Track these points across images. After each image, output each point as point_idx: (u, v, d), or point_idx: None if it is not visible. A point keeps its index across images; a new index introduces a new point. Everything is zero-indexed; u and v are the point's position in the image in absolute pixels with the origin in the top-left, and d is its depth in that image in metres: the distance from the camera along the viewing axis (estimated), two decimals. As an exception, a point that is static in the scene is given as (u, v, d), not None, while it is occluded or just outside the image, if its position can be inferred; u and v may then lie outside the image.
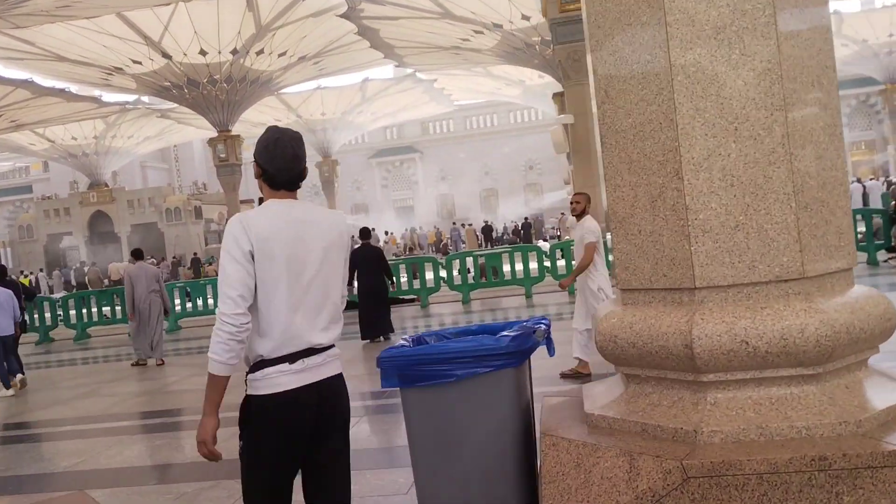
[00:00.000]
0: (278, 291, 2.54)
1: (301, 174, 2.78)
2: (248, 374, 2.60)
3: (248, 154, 36.78)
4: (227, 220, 43.87)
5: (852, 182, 30.66)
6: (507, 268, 13.72)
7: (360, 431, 6.05)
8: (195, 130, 50.74)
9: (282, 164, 2.72)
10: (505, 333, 3.49)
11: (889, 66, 45.52)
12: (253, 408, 2.55)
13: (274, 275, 2.54)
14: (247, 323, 2.48)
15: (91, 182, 51.23)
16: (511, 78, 46.60)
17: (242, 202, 44.82)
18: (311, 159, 58.16)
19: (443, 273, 13.51)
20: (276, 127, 2.87)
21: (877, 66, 45.75)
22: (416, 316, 12.87)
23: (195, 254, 42.03)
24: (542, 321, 3.72)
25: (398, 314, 13.14)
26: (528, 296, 13.61)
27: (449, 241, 37.98)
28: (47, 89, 37.78)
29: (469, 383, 3.26)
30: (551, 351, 3.82)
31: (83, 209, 47.27)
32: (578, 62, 19.19)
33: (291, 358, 2.55)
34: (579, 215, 7.42)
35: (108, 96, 42.75)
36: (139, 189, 52.43)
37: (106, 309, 15.19)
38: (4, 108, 38.28)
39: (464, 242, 36.10)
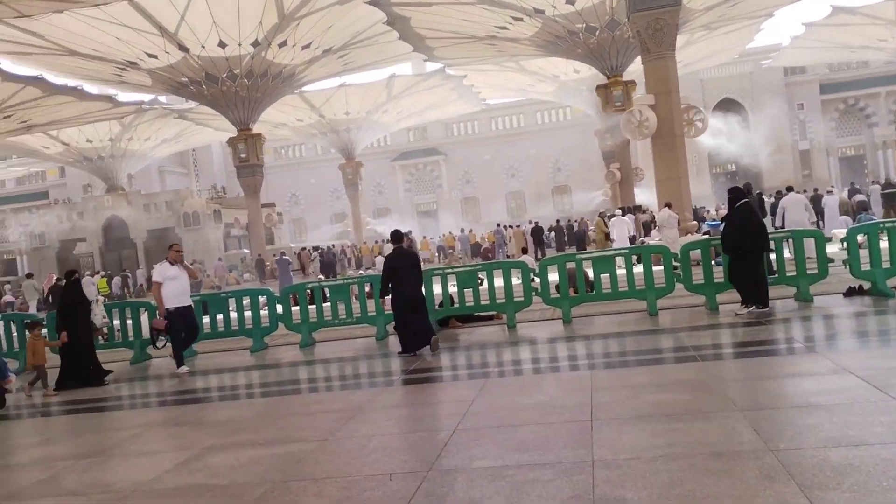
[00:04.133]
0: None
1: None
2: None
3: (269, 157, 34.51)
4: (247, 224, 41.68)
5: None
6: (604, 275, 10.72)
7: None
8: (214, 132, 48.77)
9: None
10: None
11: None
12: None
13: None
14: None
15: (107, 187, 49.28)
16: (545, 73, 44.12)
17: (264, 205, 42.68)
18: (334, 161, 56.74)
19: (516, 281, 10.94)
20: None
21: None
22: (501, 342, 10.12)
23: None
24: None
25: (473, 338, 10.60)
26: (654, 312, 10.18)
27: (488, 245, 35.14)
28: (59, 87, 35.73)
29: None
30: None
31: (97, 214, 45.23)
32: (661, 31, 16.60)
33: None
34: None
35: (124, 95, 40.76)
36: (156, 192, 50.40)
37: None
38: (14, 108, 36.27)
39: (506, 244, 33.30)
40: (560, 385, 6.95)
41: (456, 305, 11.49)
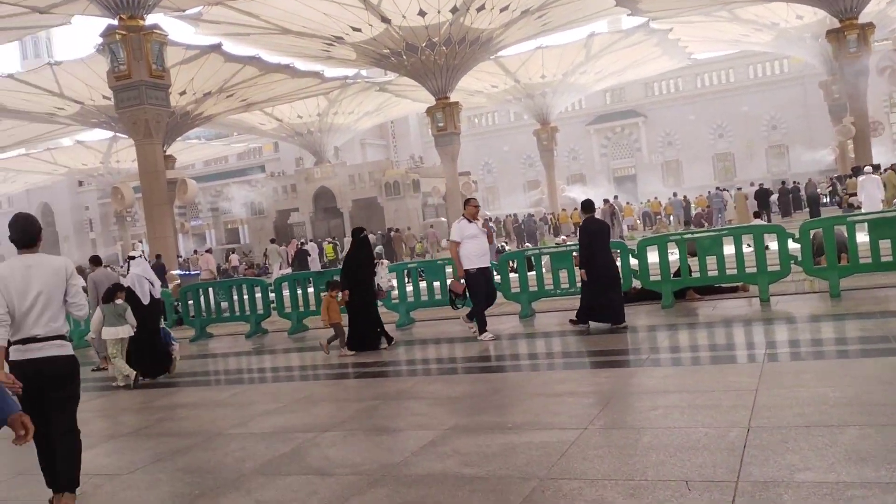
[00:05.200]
0: None
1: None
2: None
3: (462, 126, 33.68)
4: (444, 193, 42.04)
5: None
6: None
7: None
8: (411, 103, 49.78)
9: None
10: None
11: None
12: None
13: None
14: None
15: (316, 160, 52.11)
16: (761, 21, 40.12)
17: (461, 174, 42.87)
18: (527, 127, 55.86)
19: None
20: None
21: None
22: (756, 319, 8.80)
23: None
24: None
25: (717, 312, 9.38)
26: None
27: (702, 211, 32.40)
28: (273, 65, 37.93)
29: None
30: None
31: (308, 185, 47.92)
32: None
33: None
34: None
35: (330, 71, 42.54)
36: (359, 164, 52.53)
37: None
38: (235, 88, 39.05)
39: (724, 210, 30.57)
40: (865, 375, 5.65)
41: (696, 275, 10.24)
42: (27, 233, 4.60)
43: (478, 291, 9.30)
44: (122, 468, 5.55)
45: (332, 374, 9.04)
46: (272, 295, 13.02)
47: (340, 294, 9.70)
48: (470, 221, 9.40)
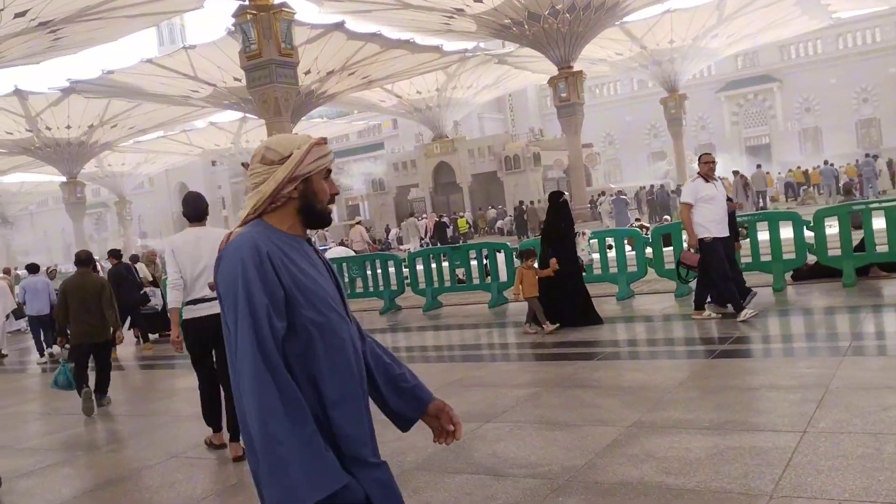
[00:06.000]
0: None
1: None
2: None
3: (585, 96, 31.90)
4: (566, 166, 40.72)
5: None
6: None
7: None
8: (531, 75, 48.62)
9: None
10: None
11: None
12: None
13: None
14: None
15: (434, 135, 51.97)
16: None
17: (584, 145, 41.50)
18: (654, 95, 53.35)
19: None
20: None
21: None
22: None
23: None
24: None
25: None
26: None
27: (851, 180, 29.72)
28: (394, 41, 37.87)
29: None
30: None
31: (427, 161, 47.88)
32: None
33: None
34: None
35: (449, 45, 42.08)
36: (478, 138, 51.98)
37: (460, 270, 12.54)
38: (357, 65, 39.28)
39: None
40: None
41: (882, 249, 9.01)
42: (197, 209, 5.36)
43: (718, 264, 7.89)
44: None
45: (482, 355, 8.56)
46: (406, 270, 12.71)
47: (537, 264, 8.74)
48: (707, 180, 8.04)
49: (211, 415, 5.42)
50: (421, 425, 2.22)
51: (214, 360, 5.33)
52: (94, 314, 7.57)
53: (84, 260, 7.93)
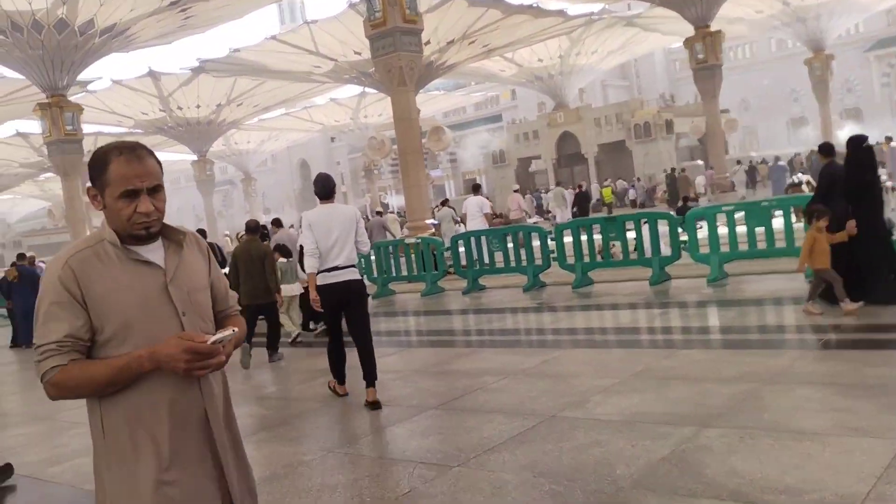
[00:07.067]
0: None
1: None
2: None
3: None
4: (703, 133, 38.18)
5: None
6: None
7: None
8: (660, 38, 46.01)
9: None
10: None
11: None
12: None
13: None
14: None
15: (556, 104, 50.23)
16: None
17: (722, 111, 38.81)
18: (795, 57, 49.34)
19: None
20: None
21: None
22: None
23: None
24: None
25: None
26: None
27: None
28: (516, 6, 36.55)
29: None
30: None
31: (550, 131, 46.32)
32: None
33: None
34: None
35: (574, 9, 40.27)
36: (605, 106, 49.80)
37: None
38: (477, 34, 38.23)
39: None
40: None
41: None
42: (326, 187, 6.06)
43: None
44: (450, 458, 4.48)
45: (664, 340, 7.55)
46: (552, 244, 11.74)
47: (826, 225, 7.01)
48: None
49: (338, 368, 6.24)
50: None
51: (344, 320, 6.11)
52: (256, 278, 8.51)
53: (252, 228, 9.10)
